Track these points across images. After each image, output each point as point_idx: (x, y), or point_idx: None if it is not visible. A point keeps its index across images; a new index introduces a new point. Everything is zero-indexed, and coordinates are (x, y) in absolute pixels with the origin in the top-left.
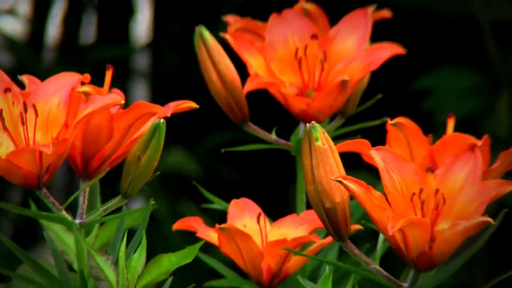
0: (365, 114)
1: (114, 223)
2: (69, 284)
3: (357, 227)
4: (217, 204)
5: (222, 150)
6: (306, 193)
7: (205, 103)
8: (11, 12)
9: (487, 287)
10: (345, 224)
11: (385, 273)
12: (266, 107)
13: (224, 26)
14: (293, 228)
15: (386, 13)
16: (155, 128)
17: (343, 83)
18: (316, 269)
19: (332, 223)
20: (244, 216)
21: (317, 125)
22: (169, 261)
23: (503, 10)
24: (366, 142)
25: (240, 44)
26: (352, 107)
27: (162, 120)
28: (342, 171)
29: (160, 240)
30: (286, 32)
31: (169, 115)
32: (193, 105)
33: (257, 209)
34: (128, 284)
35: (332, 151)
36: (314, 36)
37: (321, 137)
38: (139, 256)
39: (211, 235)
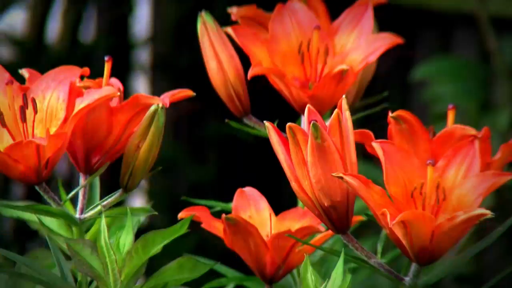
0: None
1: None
2: (69, 280)
3: (360, 218)
4: (215, 205)
5: (226, 120)
6: (301, 189)
7: (205, 96)
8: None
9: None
10: (346, 217)
11: (386, 266)
12: (267, 101)
13: (223, 19)
14: (298, 221)
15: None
16: (154, 114)
17: (342, 72)
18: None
19: (331, 218)
20: (250, 207)
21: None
22: (159, 238)
23: (501, 5)
24: (369, 133)
25: (243, 37)
26: (355, 100)
27: (160, 105)
28: (353, 156)
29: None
30: (290, 25)
31: (167, 105)
32: (190, 93)
33: (263, 199)
34: (117, 266)
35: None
36: (317, 27)
37: (321, 134)
38: (126, 236)
39: (216, 226)
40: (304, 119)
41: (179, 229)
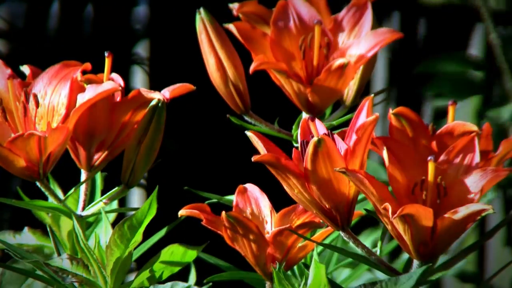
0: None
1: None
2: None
3: (359, 214)
4: (215, 199)
5: (227, 116)
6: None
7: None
8: None
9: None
10: (347, 216)
11: (386, 263)
12: (268, 98)
13: (225, 15)
14: (298, 217)
15: None
16: (155, 108)
17: (343, 66)
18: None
19: (331, 217)
20: (251, 203)
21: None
22: (135, 225)
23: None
24: None
25: (245, 33)
26: (356, 97)
27: (161, 100)
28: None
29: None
30: (291, 21)
31: (168, 100)
32: (191, 87)
33: (264, 196)
34: (101, 263)
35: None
36: (318, 22)
37: (325, 144)
38: (106, 234)
39: (217, 223)
40: (301, 126)
41: (150, 210)
